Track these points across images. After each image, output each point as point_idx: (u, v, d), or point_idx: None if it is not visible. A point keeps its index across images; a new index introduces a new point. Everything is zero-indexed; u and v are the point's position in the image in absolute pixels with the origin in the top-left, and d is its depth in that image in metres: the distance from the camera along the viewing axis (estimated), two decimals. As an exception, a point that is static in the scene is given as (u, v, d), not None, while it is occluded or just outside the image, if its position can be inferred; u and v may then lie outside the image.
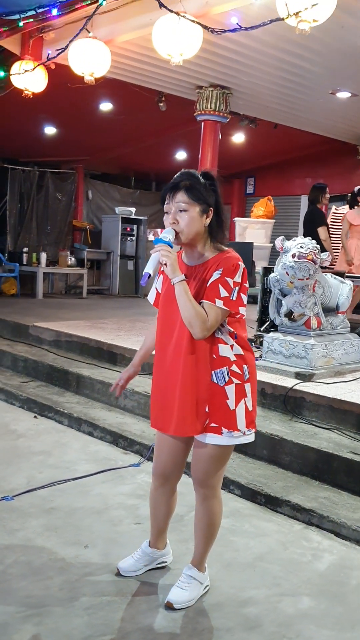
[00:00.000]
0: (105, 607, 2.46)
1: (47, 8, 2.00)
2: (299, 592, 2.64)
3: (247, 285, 2.35)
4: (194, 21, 4.49)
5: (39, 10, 2.00)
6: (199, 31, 4.69)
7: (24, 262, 10.31)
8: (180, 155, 11.19)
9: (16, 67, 6.03)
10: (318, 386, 4.45)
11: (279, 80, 6.76)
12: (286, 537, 3.16)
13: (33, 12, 2.04)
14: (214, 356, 2.34)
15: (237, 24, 4.36)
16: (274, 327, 5.34)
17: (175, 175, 2.38)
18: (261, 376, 4.70)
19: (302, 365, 4.74)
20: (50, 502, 3.42)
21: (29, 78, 6.06)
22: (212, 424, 2.36)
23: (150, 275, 2.27)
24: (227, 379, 2.34)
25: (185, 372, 2.35)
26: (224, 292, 2.27)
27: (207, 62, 6.29)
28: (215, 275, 2.28)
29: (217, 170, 11.75)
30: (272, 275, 4.91)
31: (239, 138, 10.10)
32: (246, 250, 6.07)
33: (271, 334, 5.04)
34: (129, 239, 11.67)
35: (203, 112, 7.13)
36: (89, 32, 5.17)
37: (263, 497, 3.56)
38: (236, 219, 11.77)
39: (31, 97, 6.21)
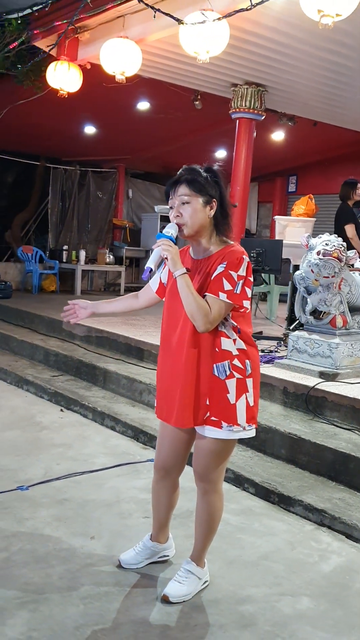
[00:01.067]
0: (102, 597, 2.48)
1: (41, 6, 2.04)
2: (299, 593, 2.61)
3: (251, 279, 2.35)
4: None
5: (35, 9, 2.04)
6: (225, 28, 4.66)
7: (64, 260, 10.49)
8: (220, 153, 11.15)
9: (52, 68, 6.13)
10: (341, 386, 4.37)
11: (315, 77, 6.66)
12: (295, 537, 3.12)
13: (29, 11, 2.08)
14: (216, 349, 2.35)
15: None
16: (302, 326, 5.28)
17: (179, 171, 2.41)
18: (284, 375, 4.66)
19: (326, 365, 4.66)
20: (63, 493, 3.47)
21: (64, 78, 6.16)
22: (212, 418, 2.36)
23: (151, 269, 2.31)
24: (228, 372, 2.34)
25: (187, 364, 2.36)
26: (227, 286, 2.27)
27: (241, 60, 6.25)
28: (220, 269, 2.29)
29: (257, 168, 11.56)
30: (297, 272, 4.85)
31: (279, 136, 10.00)
32: (275, 247, 6.00)
33: (296, 332, 4.98)
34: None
35: (238, 109, 7.08)
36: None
37: (277, 496, 3.52)
38: (276, 217, 11.62)
39: (66, 96, 6.30)
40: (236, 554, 2.91)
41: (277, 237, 11.18)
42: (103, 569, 2.70)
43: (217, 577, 2.68)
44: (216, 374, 2.35)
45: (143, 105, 8.61)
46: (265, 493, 3.58)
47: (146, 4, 4.50)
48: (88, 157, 11.87)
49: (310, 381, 4.47)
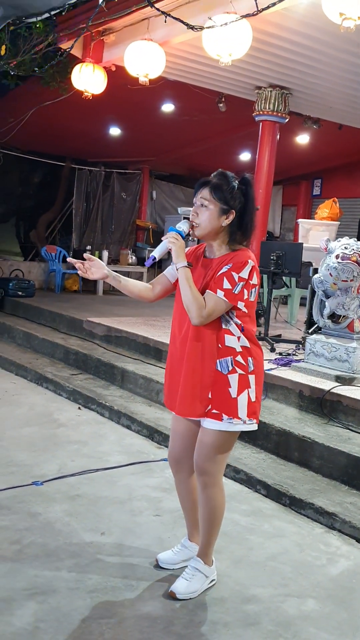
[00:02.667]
0: (109, 592, 2.52)
1: (59, 9, 2.09)
2: (305, 594, 2.61)
3: (253, 282, 2.40)
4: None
5: (52, 13, 2.09)
6: (248, 31, 4.68)
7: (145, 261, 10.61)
8: (245, 156, 11.16)
9: (77, 70, 6.21)
10: (357, 390, 4.35)
11: (340, 80, 6.63)
12: (304, 539, 3.13)
13: (47, 15, 2.14)
14: (220, 345, 2.43)
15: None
16: (321, 330, 5.26)
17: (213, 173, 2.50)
18: (301, 378, 4.66)
19: (343, 369, 4.65)
20: (76, 490, 3.52)
21: (89, 80, 6.24)
22: (214, 410, 2.44)
23: (155, 258, 2.45)
24: (230, 368, 2.42)
25: (190, 357, 2.46)
26: (227, 285, 2.36)
27: (265, 63, 6.26)
28: (224, 269, 2.38)
29: (282, 171, 11.54)
30: (316, 276, 4.84)
31: (303, 139, 9.97)
32: (295, 251, 5.99)
33: (314, 335, 4.97)
34: (189, 238, 11.74)
35: (261, 112, 7.08)
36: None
37: (288, 498, 3.53)
38: (300, 220, 11.60)
39: (90, 98, 6.38)
40: (244, 554, 2.93)
41: (300, 241, 11.17)
42: (111, 564, 2.74)
43: (224, 576, 2.70)
44: (219, 368, 2.44)
45: (168, 107, 8.67)
46: (276, 495, 3.58)
47: (159, 10, 4.57)
48: (114, 158, 11.98)
49: (327, 385, 4.46)
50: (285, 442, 4.05)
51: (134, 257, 11.00)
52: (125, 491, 3.56)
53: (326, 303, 4.81)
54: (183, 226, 2.46)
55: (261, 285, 7.20)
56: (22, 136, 9.62)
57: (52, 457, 4.02)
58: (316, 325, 5.66)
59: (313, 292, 5.88)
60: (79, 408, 5.23)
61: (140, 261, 11.23)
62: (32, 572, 2.62)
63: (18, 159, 11.65)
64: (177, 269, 2.42)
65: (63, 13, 2.89)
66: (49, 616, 2.32)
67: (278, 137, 7.26)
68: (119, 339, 6.40)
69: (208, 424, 2.47)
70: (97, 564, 2.73)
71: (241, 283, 2.36)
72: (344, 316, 4.74)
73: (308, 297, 5.93)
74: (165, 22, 4.56)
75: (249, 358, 2.45)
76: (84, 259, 2.52)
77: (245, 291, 2.38)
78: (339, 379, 4.54)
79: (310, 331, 5.79)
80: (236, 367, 2.42)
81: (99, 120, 9.43)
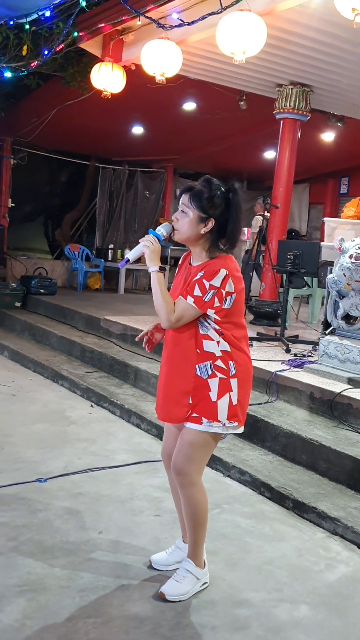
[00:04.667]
0: (99, 591, 2.52)
1: (43, 10, 2.08)
2: (299, 600, 2.57)
3: (228, 290, 2.38)
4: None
5: (40, 13, 2.09)
6: (262, 28, 4.63)
7: (109, 258, 10.64)
8: (269, 154, 11.06)
9: (95, 69, 6.23)
10: (368, 393, 4.28)
11: (362, 76, 6.53)
12: (304, 544, 3.08)
13: (35, 16, 2.14)
14: (198, 351, 2.44)
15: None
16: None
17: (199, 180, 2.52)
18: (312, 380, 4.60)
19: (356, 371, 4.57)
20: (79, 488, 3.54)
21: (107, 79, 6.25)
22: (194, 414, 2.45)
23: (129, 260, 2.51)
24: (210, 372, 2.43)
25: (170, 363, 2.50)
26: (197, 292, 2.37)
27: (285, 60, 6.19)
28: (197, 276, 2.40)
29: (308, 169, 11.42)
30: (330, 276, 4.77)
31: (329, 137, 9.84)
32: (312, 250, 5.90)
33: (327, 337, 4.89)
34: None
35: (282, 110, 7.00)
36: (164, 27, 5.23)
37: (291, 501, 3.48)
38: (325, 219, 11.44)
39: (109, 97, 6.39)
40: (240, 556, 2.90)
41: (326, 240, 11.01)
42: (105, 563, 2.74)
43: (217, 578, 2.68)
44: (198, 373, 2.45)
45: (189, 106, 8.64)
46: (280, 498, 3.54)
47: (147, 17, 4.76)
48: (137, 157, 12.00)
49: (338, 387, 4.39)
50: (292, 445, 4.00)
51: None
52: (127, 490, 3.56)
53: (340, 304, 4.73)
54: (163, 230, 2.48)
55: (281, 285, 7.13)
56: (47, 136, 9.72)
57: (59, 455, 4.05)
58: (333, 327, 5.59)
59: (329, 293, 5.81)
60: (91, 406, 5.26)
61: (163, 260, 11.21)
62: (25, 569, 2.63)
63: (46, 158, 11.78)
64: (149, 272, 2.44)
65: (47, 14, 2.90)
66: (37, 614, 2.33)
67: (299, 135, 7.18)
68: (135, 337, 6.40)
69: (188, 424, 2.48)
70: (90, 562, 2.73)
71: (212, 291, 2.35)
72: (357, 317, 4.66)
73: (325, 297, 5.85)
74: (139, 21, 4.65)
75: (230, 362, 2.44)
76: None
77: (217, 299, 2.36)
78: (351, 382, 4.47)
79: (327, 332, 5.72)
80: (216, 372, 2.42)
81: (122, 119, 9.45)
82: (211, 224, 2.41)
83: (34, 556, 2.75)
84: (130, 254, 2.51)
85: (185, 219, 2.42)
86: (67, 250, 10.57)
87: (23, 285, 8.92)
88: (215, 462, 3.95)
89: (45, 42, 6.49)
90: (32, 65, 6.34)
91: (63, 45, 6.31)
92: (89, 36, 6.21)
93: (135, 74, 6.51)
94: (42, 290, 8.93)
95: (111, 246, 10.89)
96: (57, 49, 6.23)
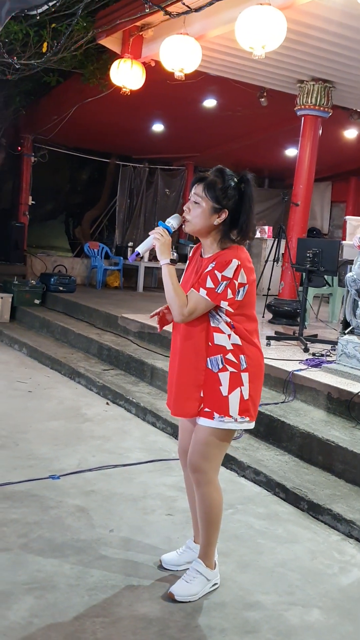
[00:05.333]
0: (108, 590, 2.50)
1: (54, 2, 2.05)
2: (311, 604, 2.52)
3: (241, 281, 2.34)
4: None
5: (50, 4, 2.06)
6: (282, 22, 4.56)
7: (128, 256, 10.64)
8: (291, 151, 10.95)
9: (115, 66, 6.21)
10: (387, 394, 4.19)
11: (385, 72, 6.41)
12: (318, 546, 3.02)
13: (46, 7, 2.11)
14: (210, 344, 2.41)
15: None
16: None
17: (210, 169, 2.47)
18: (330, 380, 4.52)
19: (375, 371, 4.49)
20: (92, 485, 3.52)
21: (126, 75, 6.23)
22: (206, 409, 2.42)
23: (139, 253, 2.46)
24: (220, 366, 2.39)
25: (182, 356, 2.46)
26: (210, 284, 2.33)
27: (305, 55, 6.10)
28: (209, 268, 2.35)
29: (330, 166, 11.28)
30: (349, 274, 4.69)
31: (352, 134, 9.70)
32: (332, 248, 5.80)
33: (346, 336, 4.81)
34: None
35: (303, 106, 6.91)
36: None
37: (306, 503, 3.43)
38: (347, 217, 11.32)
39: (129, 94, 6.37)
40: (252, 558, 2.85)
41: (347, 238, 10.87)
42: (115, 562, 2.72)
43: (227, 580, 2.64)
44: (209, 366, 2.41)
45: (210, 103, 8.58)
46: (295, 499, 3.49)
47: (159, 6, 4.69)
48: (158, 154, 11.97)
49: (356, 387, 4.31)
50: (309, 445, 3.94)
51: (175, 254, 10.96)
52: (140, 488, 3.53)
53: (359, 303, 4.65)
54: (173, 221, 2.43)
55: (301, 284, 7.05)
56: (67, 133, 9.73)
57: (73, 452, 4.03)
58: (352, 326, 5.50)
59: (348, 292, 5.72)
60: (107, 403, 5.25)
61: (182, 258, 11.20)
62: (35, 567, 2.62)
63: (66, 156, 11.80)
64: (160, 265, 2.40)
65: (57, 4, 2.87)
66: (44, 612, 2.32)
67: (320, 131, 7.08)
68: (152, 335, 6.39)
69: (200, 421, 2.44)
70: (100, 561, 2.71)
71: (224, 282, 2.31)
72: (377, 316, 4.58)
73: (344, 297, 5.76)
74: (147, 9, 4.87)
75: (241, 356, 2.39)
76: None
77: (230, 290, 2.32)
78: (369, 382, 4.39)
79: (346, 332, 5.64)
80: (227, 365, 2.38)
81: (142, 117, 9.43)
82: (225, 215, 2.37)
83: (43, 554, 2.73)
84: (140, 247, 2.47)
85: (198, 210, 2.37)
86: (86, 248, 10.59)
87: (42, 283, 8.95)
88: (230, 462, 3.91)
89: (65, 39, 6.49)
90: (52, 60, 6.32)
91: (83, 42, 6.31)
92: (107, 32, 6.19)
93: (155, 71, 6.47)
94: (61, 288, 8.95)
95: (131, 244, 10.87)
96: (77, 46, 6.22)
